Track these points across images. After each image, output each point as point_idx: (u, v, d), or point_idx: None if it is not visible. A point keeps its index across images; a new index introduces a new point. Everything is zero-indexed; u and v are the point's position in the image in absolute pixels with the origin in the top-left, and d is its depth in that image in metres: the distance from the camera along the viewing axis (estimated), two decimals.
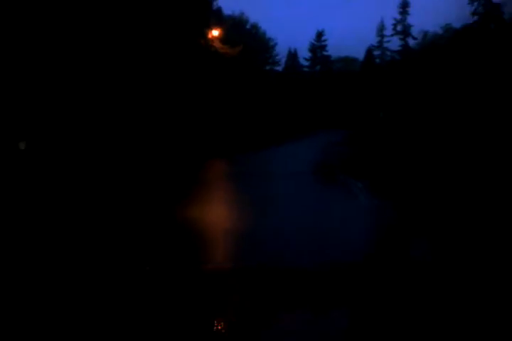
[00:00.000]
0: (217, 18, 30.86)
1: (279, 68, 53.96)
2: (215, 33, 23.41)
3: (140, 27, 16.69)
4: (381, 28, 57.47)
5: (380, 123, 34.91)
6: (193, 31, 19.63)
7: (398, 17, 53.85)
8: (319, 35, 57.48)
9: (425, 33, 42.45)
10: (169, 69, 18.51)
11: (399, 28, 54.12)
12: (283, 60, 51.94)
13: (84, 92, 14.54)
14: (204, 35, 21.78)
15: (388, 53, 57.27)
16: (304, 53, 60.19)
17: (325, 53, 58.43)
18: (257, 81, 39.18)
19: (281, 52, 54.72)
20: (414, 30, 50.36)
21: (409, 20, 53.08)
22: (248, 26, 41.78)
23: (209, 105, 22.93)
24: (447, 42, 42.52)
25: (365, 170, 14.15)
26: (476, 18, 41.14)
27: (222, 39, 25.75)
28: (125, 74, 16.69)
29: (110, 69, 15.79)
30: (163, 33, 17.86)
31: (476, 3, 40.66)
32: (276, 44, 42.05)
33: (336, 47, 76.54)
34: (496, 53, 39.69)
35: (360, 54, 60.44)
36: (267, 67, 43.24)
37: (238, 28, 38.58)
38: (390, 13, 54.86)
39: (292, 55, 61.50)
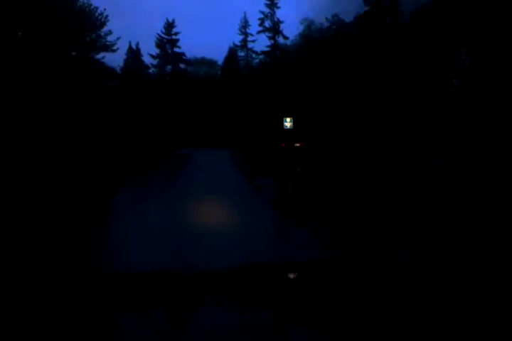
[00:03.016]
0: None
1: (117, 57, 39.21)
2: None
3: None
4: (244, 25, 47.21)
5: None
6: None
7: (266, 10, 44.14)
8: (169, 25, 44.56)
9: (310, 23, 32.88)
10: None
11: (267, 23, 44.41)
12: (123, 48, 37.45)
13: None
14: None
15: (254, 55, 47.26)
16: (150, 48, 46.62)
17: (177, 50, 45.69)
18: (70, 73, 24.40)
19: (123, 45, 40.01)
20: (297, 19, 40.88)
21: (293, 9, 43.67)
22: None
23: None
24: (334, 35, 33.48)
25: None
26: (368, 8, 33.04)
27: None
28: None
29: None
30: None
31: None
32: (107, 20, 27.81)
33: (192, 47, 64.80)
34: (388, 48, 32.03)
35: (220, 56, 49.59)
36: (93, 54, 28.71)
37: None
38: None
39: (134, 52, 47.34)
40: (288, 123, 20.51)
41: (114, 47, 29.92)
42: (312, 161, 17.41)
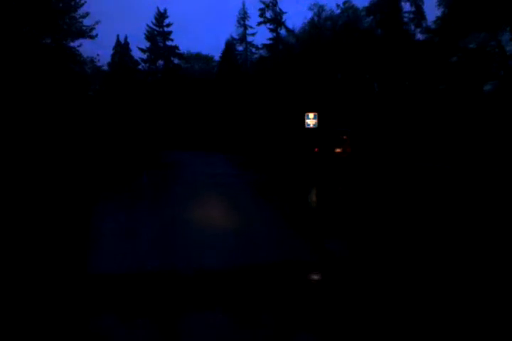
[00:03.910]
0: None
1: (105, 52, 35.27)
2: None
3: None
4: (243, 16, 43.11)
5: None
6: None
7: (267, 0, 40.05)
8: (161, 16, 40.49)
9: (320, 8, 28.91)
10: None
11: (268, 14, 40.33)
12: (111, 42, 33.23)
13: None
14: None
15: (254, 50, 43.18)
16: (140, 43, 42.45)
17: (169, 43, 41.56)
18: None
19: (111, 38, 35.78)
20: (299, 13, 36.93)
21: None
22: None
23: None
24: (346, 23, 29.51)
25: None
26: None
27: None
28: None
29: None
30: None
31: None
32: (85, 1, 23.67)
33: (187, 43, 60.49)
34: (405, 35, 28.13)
35: (217, 52, 45.43)
36: (69, 42, 24.53)
37: None
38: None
39: (122, 46, 43.25)
40: (311, 120, 15.56)
41: (92, 33, 25.68)
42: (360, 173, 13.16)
